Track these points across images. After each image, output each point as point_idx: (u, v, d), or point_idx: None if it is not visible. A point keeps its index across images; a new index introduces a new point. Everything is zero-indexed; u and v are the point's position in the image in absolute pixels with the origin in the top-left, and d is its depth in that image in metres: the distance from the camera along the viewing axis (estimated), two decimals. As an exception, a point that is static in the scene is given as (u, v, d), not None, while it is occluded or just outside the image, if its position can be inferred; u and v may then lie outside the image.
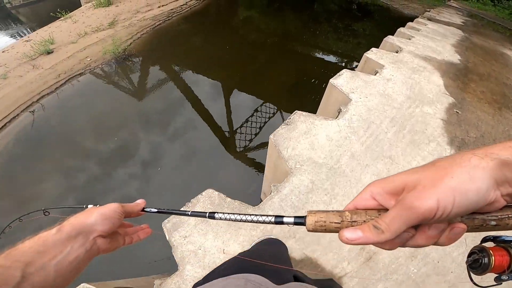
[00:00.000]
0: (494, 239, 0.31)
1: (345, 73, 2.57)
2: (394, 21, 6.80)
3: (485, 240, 0.32)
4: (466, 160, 0.26)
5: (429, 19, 5.49)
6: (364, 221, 0.29)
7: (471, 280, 0.32)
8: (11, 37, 7.44)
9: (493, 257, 0.29)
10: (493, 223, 0.27)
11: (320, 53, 6.17)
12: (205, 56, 5.49)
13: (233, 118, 4.06)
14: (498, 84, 3.25)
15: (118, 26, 5.83)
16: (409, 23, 4.95)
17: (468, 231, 0.28)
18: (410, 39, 3.96)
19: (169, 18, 6.47)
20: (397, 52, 3.37)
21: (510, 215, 0.27)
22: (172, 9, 6.72)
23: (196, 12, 7.15)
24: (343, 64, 5.93)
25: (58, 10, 6.27)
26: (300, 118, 1.97)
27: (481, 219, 0.27)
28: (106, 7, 6.67)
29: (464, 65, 3.49)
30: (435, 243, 0.28)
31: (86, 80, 4.66)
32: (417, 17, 6.85)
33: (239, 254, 0.70)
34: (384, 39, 3.86)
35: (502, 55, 4.44)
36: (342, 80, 2.47)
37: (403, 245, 0.29)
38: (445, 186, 0.25)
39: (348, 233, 0.28)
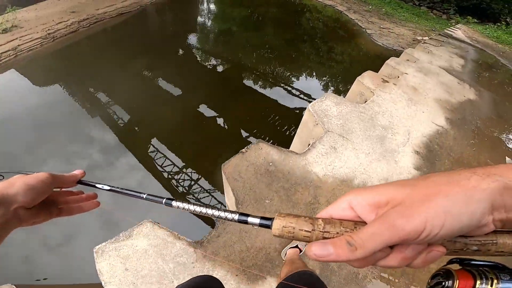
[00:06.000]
0: (461, 261, 0.28)
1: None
2: (368, 58, 4.87)
3: (451, 262, 0.29)
4: (465, 178, 0.23)
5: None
6: (337, 233, 0.26)
7: None
8: None
9: (457, 281, 0.26)
10: (475, 248, 0.25)
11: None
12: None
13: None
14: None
15: None
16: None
17: (446, 254, 0.26)
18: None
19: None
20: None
21: (494, 241, 0.24)
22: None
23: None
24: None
25: None
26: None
27: (463, 243, 0.25)
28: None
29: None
30: (408, 265, 0.25)
31: None
32: (394, 52, 4.84)
33: None
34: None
35: None
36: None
37: (373, 264, 0.26)
38: (437, 205, 0.22)
39: (318, 249, 0.24)
